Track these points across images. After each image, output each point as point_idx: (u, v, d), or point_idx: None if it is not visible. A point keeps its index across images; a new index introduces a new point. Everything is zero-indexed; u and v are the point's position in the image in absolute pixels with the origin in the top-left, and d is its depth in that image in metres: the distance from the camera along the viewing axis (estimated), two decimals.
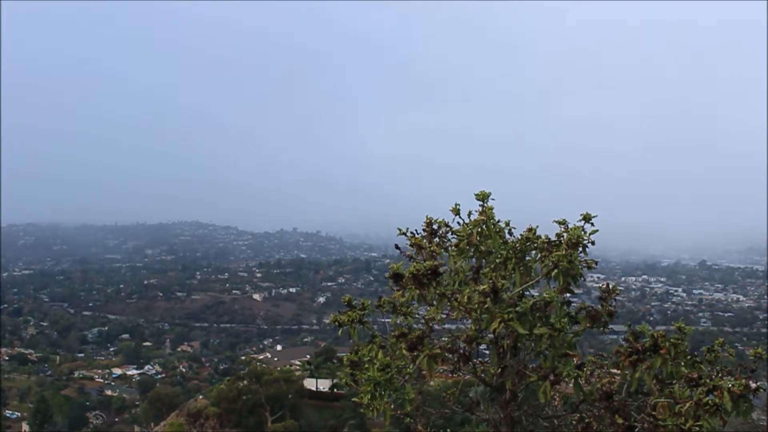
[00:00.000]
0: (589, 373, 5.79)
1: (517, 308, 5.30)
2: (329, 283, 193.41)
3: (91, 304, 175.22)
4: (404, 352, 5.64)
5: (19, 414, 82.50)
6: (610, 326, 5.78)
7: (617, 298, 5.88)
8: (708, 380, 5.13)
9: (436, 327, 5.91)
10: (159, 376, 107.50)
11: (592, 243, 5.70)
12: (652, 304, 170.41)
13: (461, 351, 5.92)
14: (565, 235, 5.75)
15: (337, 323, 5.83)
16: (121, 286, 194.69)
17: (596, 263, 5.71)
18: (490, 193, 5.90)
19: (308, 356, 75.92)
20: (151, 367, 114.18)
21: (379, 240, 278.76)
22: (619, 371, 5.69)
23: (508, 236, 6.05)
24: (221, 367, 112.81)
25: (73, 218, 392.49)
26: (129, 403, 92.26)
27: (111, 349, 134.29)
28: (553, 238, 5.84)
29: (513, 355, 5.90)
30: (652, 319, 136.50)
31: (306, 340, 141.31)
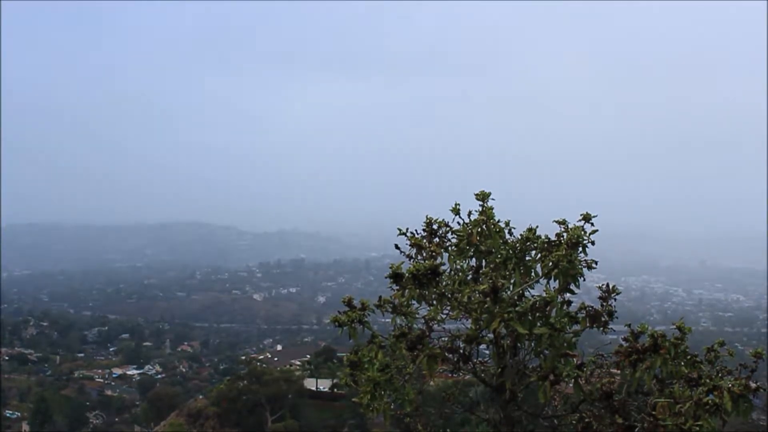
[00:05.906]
0: (589, 373, 5.77)
1: (517, 308, 5.29)
2: (329, 283, 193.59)
3: (91, 304, 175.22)
4: (404, 352, 5.62)
5: (19, 414, 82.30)
6: (610, 326, 5.76)
7: (617, 297, 5.87)
8: (708, 380, 5.12)
9: (436, 327, 5.88)
10: (159, 376, 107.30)
11: (592, 243, 5.69)
12: (652, 304, 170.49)
13: (461, 351, 5.91)
14: (565, 235, 5.74)
15: (337, 323, 5.81)
16: (121, 286, 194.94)
17: (596, 263, 5.69)
18: (489, 193, 5.89)
19: (308, 356, 75.65)
20: (151, 367, 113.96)
21: (379, 240, 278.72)
22: (619, 371, 5.67)
23: (508, 236, 6.03)
24: (221, 367, 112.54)
25: (73, 218, 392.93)
26: (129, 403, 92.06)
27: (111, 349, 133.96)
28: (553, 238, 5.84)
29: (513, 355, 5.89)
30: (652, 318, 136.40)
31: (306, 340, 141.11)
